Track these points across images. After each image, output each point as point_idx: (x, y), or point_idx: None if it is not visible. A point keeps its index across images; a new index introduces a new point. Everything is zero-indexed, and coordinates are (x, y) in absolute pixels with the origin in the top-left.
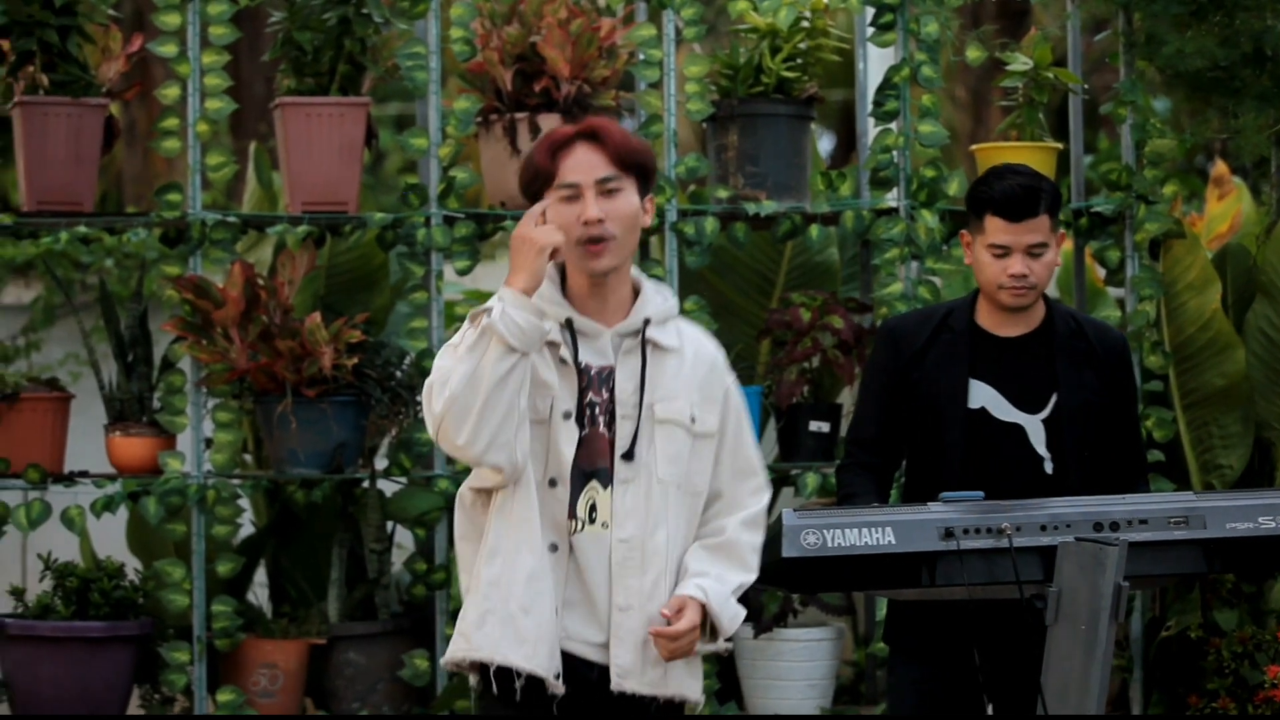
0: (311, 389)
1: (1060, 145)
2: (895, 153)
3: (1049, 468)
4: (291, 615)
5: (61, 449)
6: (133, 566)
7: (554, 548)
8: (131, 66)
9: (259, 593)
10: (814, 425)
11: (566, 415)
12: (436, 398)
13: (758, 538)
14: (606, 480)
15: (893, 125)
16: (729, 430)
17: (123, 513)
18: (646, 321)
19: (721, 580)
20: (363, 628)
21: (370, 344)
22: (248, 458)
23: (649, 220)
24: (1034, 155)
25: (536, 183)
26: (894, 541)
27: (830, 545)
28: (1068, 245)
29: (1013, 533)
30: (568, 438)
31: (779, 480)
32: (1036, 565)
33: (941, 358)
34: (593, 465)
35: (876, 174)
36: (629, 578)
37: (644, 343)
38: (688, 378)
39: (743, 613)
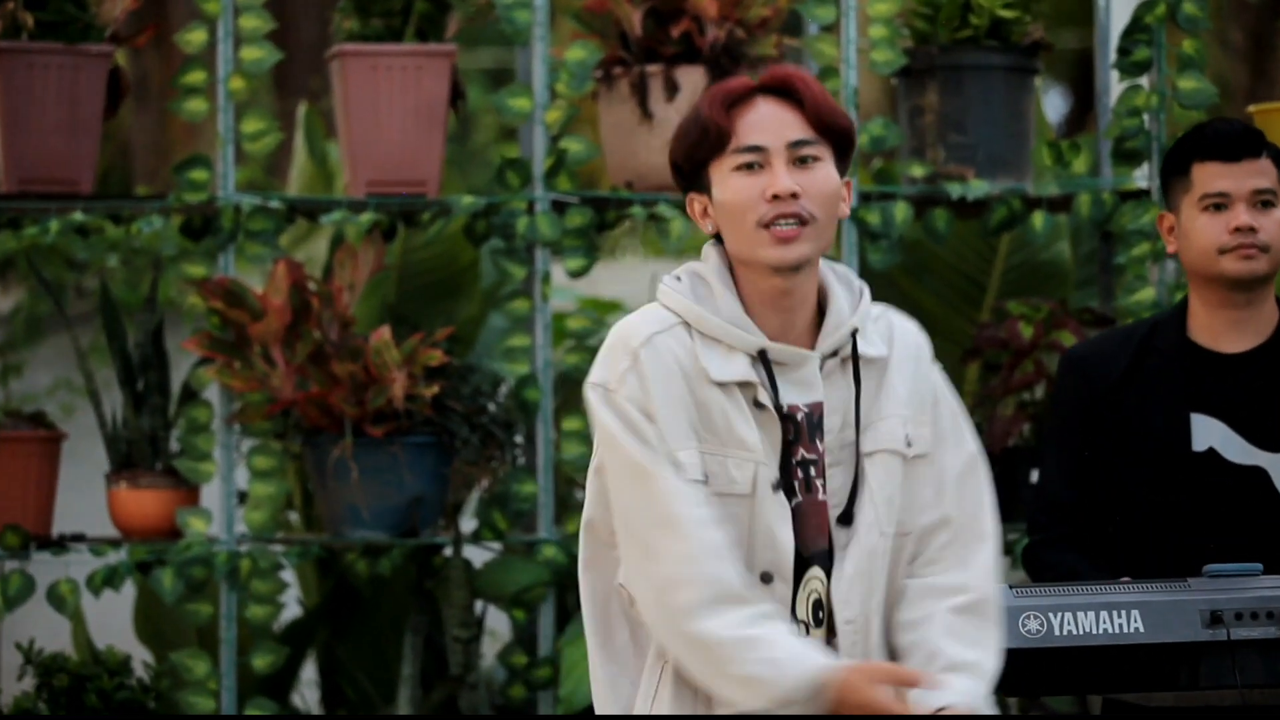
0: (378, 427)
1: None
2: (1147, 116)
3: None
4: None
5: (50, 505)
6: (141, 659)
7: None
8: (144, 3)
9: (307, 694)
10: (1036, 476)
11: (776, 486)
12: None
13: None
14: (828, 563)
15: (1143, 80)
16: (947, 437)
17: (129, 589)
18: (855, 333)
19: (982, 673)
20: None
21: (455, 368)
22: (293, 517)
23: (846, 210)
24: None
25: (704, 147)
26: (1142, 629)
27: (1059, 634)
28: None
29: None
30: (781, 515)
31: None
32: None
33: (1150, 388)
34: (812, 547)
35: (1122, 145)
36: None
37: (856, 361)
38: (895, 385)
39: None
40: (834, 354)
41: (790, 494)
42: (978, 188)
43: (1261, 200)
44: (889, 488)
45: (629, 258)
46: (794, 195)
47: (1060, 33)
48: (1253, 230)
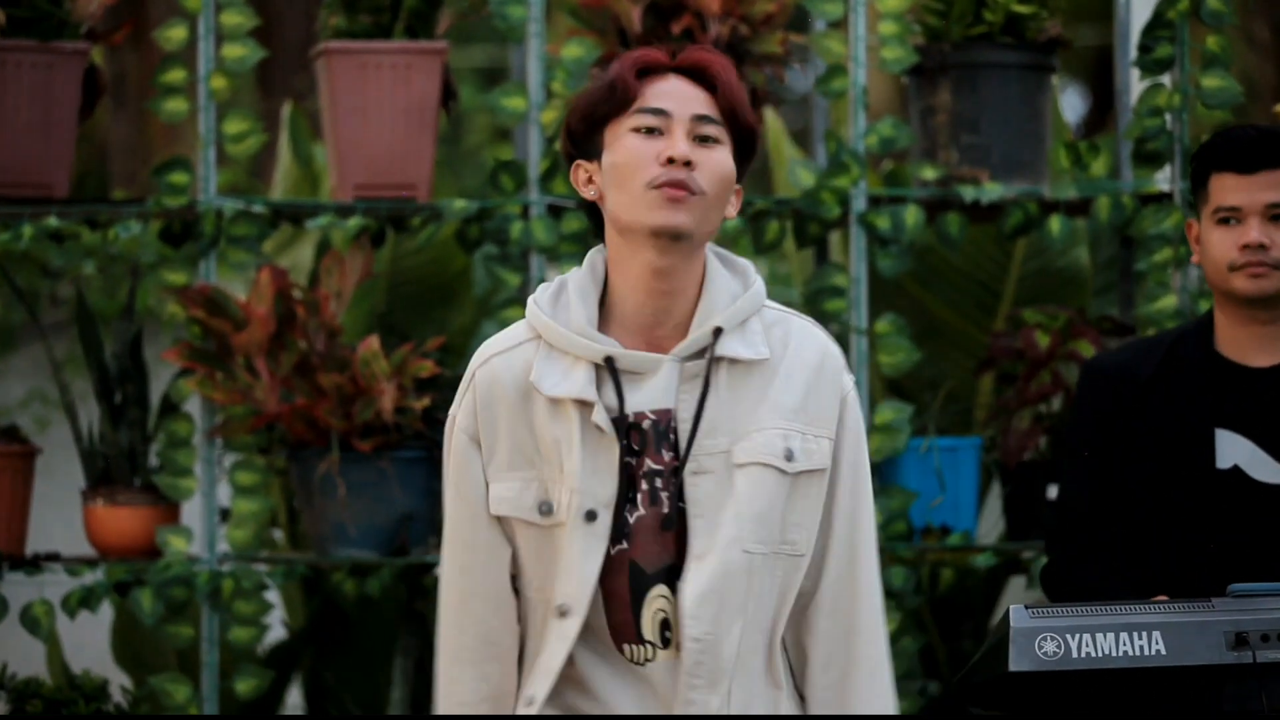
0: (366, 441)
1: None
2: (1169, 116)
3: None
4: None
5: (23, 523)
6: (119, 684)
7: (529, 701)
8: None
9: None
10: (1054, 491)
11: (589, 517)
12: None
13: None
14: (675, 580)
15: (1165, 78)
16: (844, 462)
17: (106, 610)
18: (718, 332)
19: None
20: None
21: (446, 379)
22: (278, 535)
23: (733, 212)
24: None
25: (607, 104)
26: (1164, 651)
27: (1076, 656)
28: None
29: None
30: (588, 549)
31: (1005, 566)
32: None
33: (1174, 402)
34: (657, 564)
35: (1142, 146)
36: (694, 691)
37: (714, 366)
38: (780, 395)
39: None
40: (700, 355)
41: (633, 508)
42: (992, 191)
43: (1275, 214)
44: (758, 503)
45: None
46: (689, 164)
47: (1078, 29)
48: (1263, 247)
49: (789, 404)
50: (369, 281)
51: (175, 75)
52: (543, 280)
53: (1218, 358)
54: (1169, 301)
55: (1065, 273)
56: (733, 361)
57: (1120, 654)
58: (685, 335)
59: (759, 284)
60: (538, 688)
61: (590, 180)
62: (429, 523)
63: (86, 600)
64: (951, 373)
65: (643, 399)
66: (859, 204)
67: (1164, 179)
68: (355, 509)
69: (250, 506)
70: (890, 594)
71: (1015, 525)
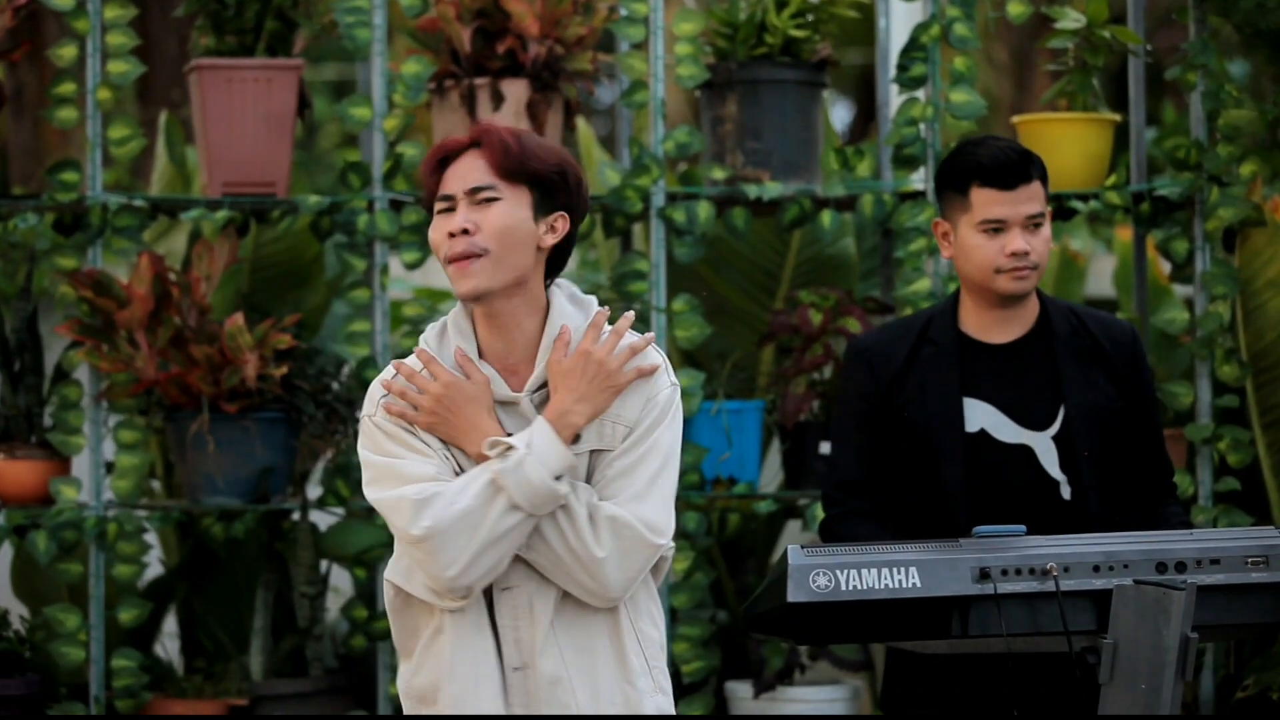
0: (232, 404)
1: (1118, 117)
2: (923, 126)
3: (1065, 492)
4: (207, 671)
5: None
6: (18, 614)
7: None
8: (19, 21)
9: (169, 645)
10: (825, 447)
11: None
12: (409, 515)
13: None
14: None
15: (920, 93)
16: (638, 431)
17: (6, 550)
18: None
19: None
20: (292, 686)
21: (302, 351)
22: (156, 485)
23: (550, 241)
24: (1086, 128)
25: (426, 200)
26: (919, 584)
27: (844, 588)
28: (1126, 235)
29: (1059, 573)
30: None
31: (783, 512)
32: (1088, 612)
33: (927, 376)
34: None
35: (900, 151)
36: (521, 631)
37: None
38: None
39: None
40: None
41: None
42: (772, 189)
43: (1032, 223)
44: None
45: None
46: (465, 231)
47: (846, 50)
48: (1026, 253)
49: (608, 409)
50: (235, 266)
51: (67, 88)
52: (385, 265)
53: (963, 337)
54: (923, 284)
55: (835, 260)
56: None
57: (882, 586)
58: (534, 362)
59: (602, 312)
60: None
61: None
62: (287, 474)
63: None
64: (738, 345)
65: (516, 424)
66: (658, 200)
67: (919, 179)
68: (223, 463)
69: (132, 460)
70: (685, 535)
71: (792, 477)
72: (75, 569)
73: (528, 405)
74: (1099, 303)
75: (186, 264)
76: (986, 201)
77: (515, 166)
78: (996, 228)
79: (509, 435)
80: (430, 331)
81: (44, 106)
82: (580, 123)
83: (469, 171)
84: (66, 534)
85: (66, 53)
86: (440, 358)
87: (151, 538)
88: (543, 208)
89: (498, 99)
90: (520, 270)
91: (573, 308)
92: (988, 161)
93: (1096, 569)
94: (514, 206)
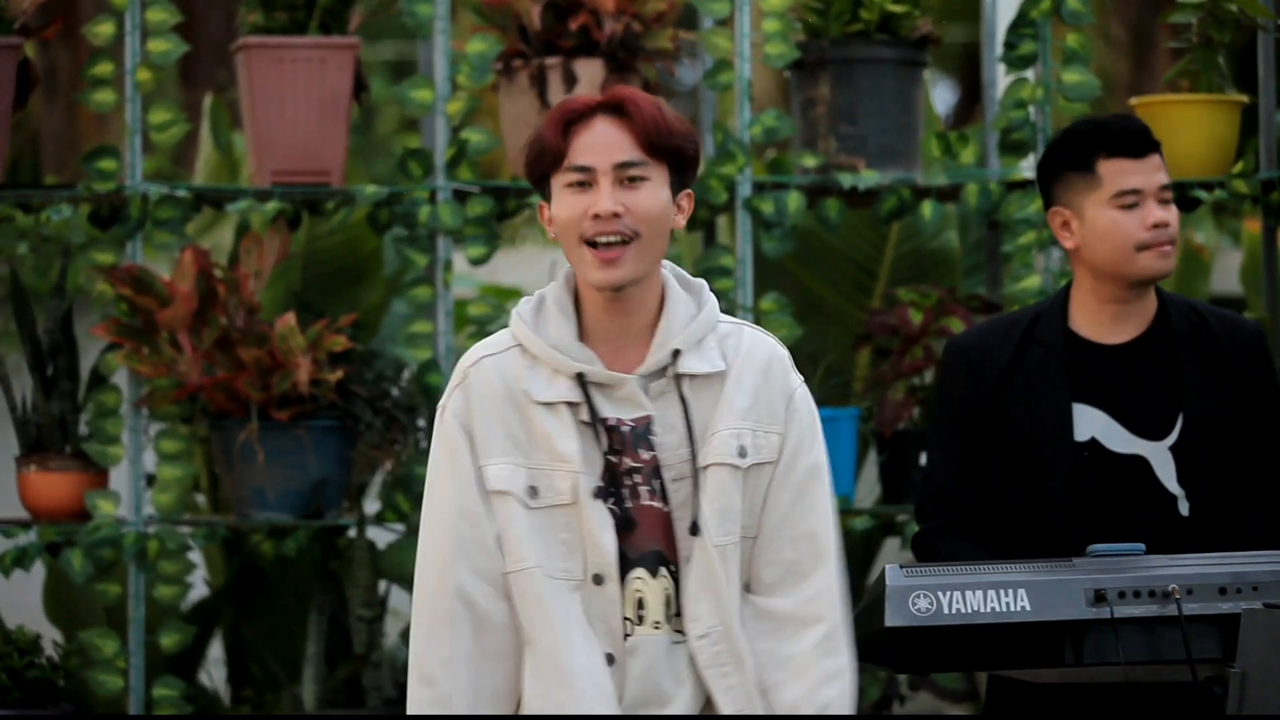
0: (283, 411)
1: (1246, 98)
2: (1032, 109)
3: (1184, 507)
4: (256, 701)
5: None
6: (51, 639)
7: (610, 660)
8: None
9: (214, 672)
10: (925, 458)
11: (596, 494)
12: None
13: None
14: (657, 566)
15: (1029, 73)
16: (800, 445)
17: (39, 569)
18: (676, 354)
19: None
20: (347, 716)
21: (359, 353)
22: (200, 499)
23: (683, 221)
24: (1211, 111)
25: (542, 163)
26: (1029, 608)
27: (947, 612)
28: (1255, 227)
29: (1182, 596)
30: (603, 521)
31: (881, 529)
32: (1214, 639)
33: (1033, 379)
34: (640, 550)
35: (1008, 136)
36: (728, 679)
37: (679, 382)
38: (733, 398)
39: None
40: (662, 373)
41: (620, 502)
42: (868, 178)
43: (1165, 197)
44: (719, 501)
45: (528, 246)
46: (616, 215)
47: (948, 27)
48: (1167, 225)
49: (740, 406)
50: (286, 262)
51: (104, 68)
52: (448, 261)
53: (1074, 336)
54: (1033, 281)
55: (936, 254)
56: (692, 376)
57: (988, 610)
58: (648, 345)
59: (712, 303)
60: (612, 648)
61: (550, 221)
62: (342, 488)
63: (20, 560)
64: (831, 348)
65: (617, 408)
66: (744, 190)
67: (1028, 167)
68: (273, 475)
69: (174, 472)
70: None
71: (890, 490)
72: (113, 590)
73: (636, 388)
74: (1225, 301)
75: (233, 259)
76: (1118, 172)
77: (663, 141)
78: (1133, 201)
79: (600, 419)
80: (525, 307)
81: (79, 89)
82: None
83: (613, 144)
84: (104, 552)
85: (103, 30)
86: (536, 339)
87: (196, 556)
88: (676, 186)
89: (570, 80)
90: (661, 255)
91: (685, 293)
92: (1111, 130)
93: (1223, 591)
94: (660, 186)
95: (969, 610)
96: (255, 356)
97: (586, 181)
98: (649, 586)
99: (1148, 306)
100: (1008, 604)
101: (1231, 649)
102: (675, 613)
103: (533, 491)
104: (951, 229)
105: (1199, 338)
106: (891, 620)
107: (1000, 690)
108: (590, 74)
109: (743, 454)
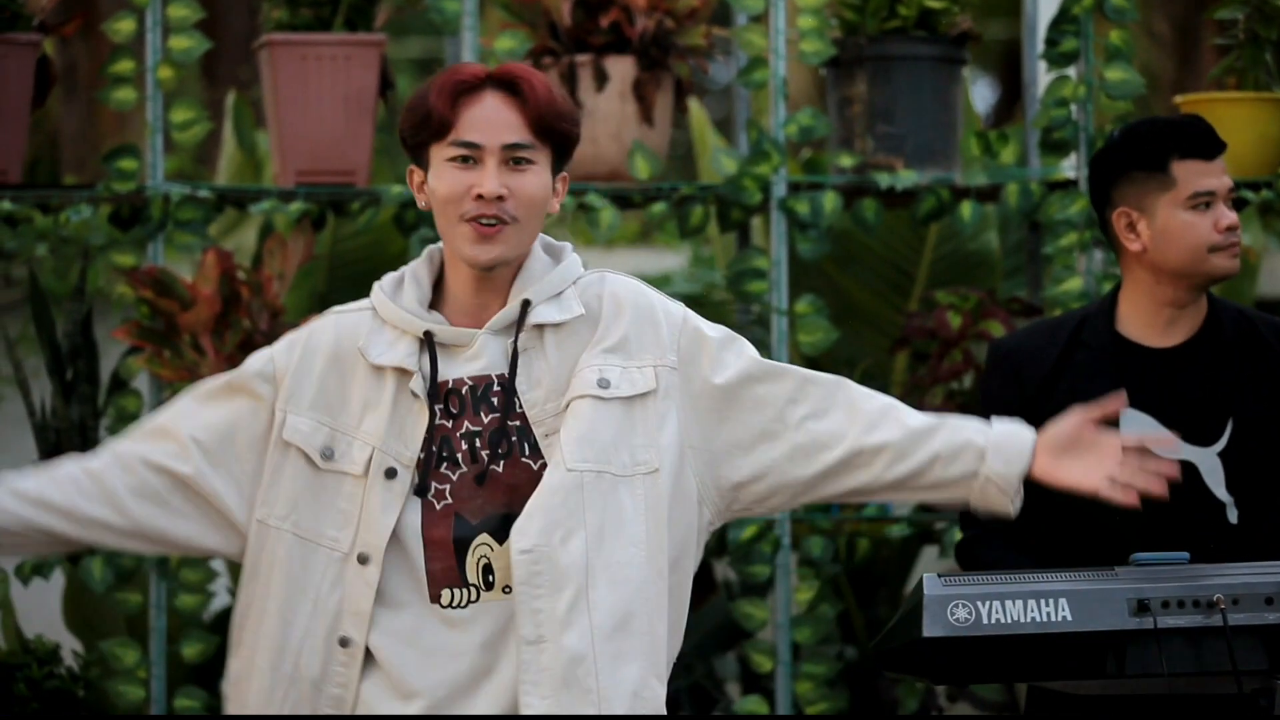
0: None
1: None
2: (1074, 107)
3: (1232, 515)
4: None
5: None
6: (71, 648)
7: (345, 642)
8: None
9: None
10: None
11: (390, 474)
12: None
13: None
14: (507, 529)
15: (1071, 71)
16: (703, 365)
17: (58, 578)
18: (526, 305)
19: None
20: None
21: None
22: None
23: (557, 205)
24: (1258, 109)
25: (425, 130)
26: (1070, 618)
27: (986, 622)
28: None
29: (1228, 606)
30: (387, 503)
31: (918, 537)
32: (1260, 650)
33: (1080, 383)
34: (481, 515)
35: (1049, 135)
36: (537, 600)
37: (518, 331)
38: (600, 339)
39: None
40: (519, 329)
41: (454, 466)
42: (906, 178)
43: (1234, 198)
44: (579, 427)
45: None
46: (500, 198)
47: (988, 23)
48: (1237, 227)
49: (606, 344)
50: (310, 263)
51: (124, 66)
52: None
53: (1122, 340)
54: (1075, 284)
55: (976, 256)
56: (554, 326)
57: (1028, 620)
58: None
59: (572, 258)
60: (351, 630)
61: (421, 188)
62: None
63: (39, 568)
64: (868, 351)
65: (460, 369)
66: (779, 190)
67: (1070, 166)
68: None
69: None
70: (809, 563)
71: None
72: (134, 599)
73: (485, 342)
74: (1271, 305)
75: (257, 261)
76: (1194, 174)
77: (552, 125)
78: (1208, 201)
79: (436, 385)
80: (387, 279)
81: (99, 87)
82: (693, 104)
83: (503, 123)
84: (124, 560)
85: (124, 27)
86: (389, 303)
87: (218, 564)
88: (556, 168)
89: (601, 78)
90: (534, 238)
91: (545, 255)
92: (1186, 130)
93: (1270, 601)
94: (543, 170)
95: (1009, 620)
96: None
97: (471, 158)
98: (495, 552)
99: (1199, 310)
100: (1049, 614)
101: (1278, 661)
102: None
103: (327, 453)
104: (991, 230)
105: (1248, 343)
106: (929, 630)
107: (1040, 701)
108: (621, 72)
109: (604, 385)
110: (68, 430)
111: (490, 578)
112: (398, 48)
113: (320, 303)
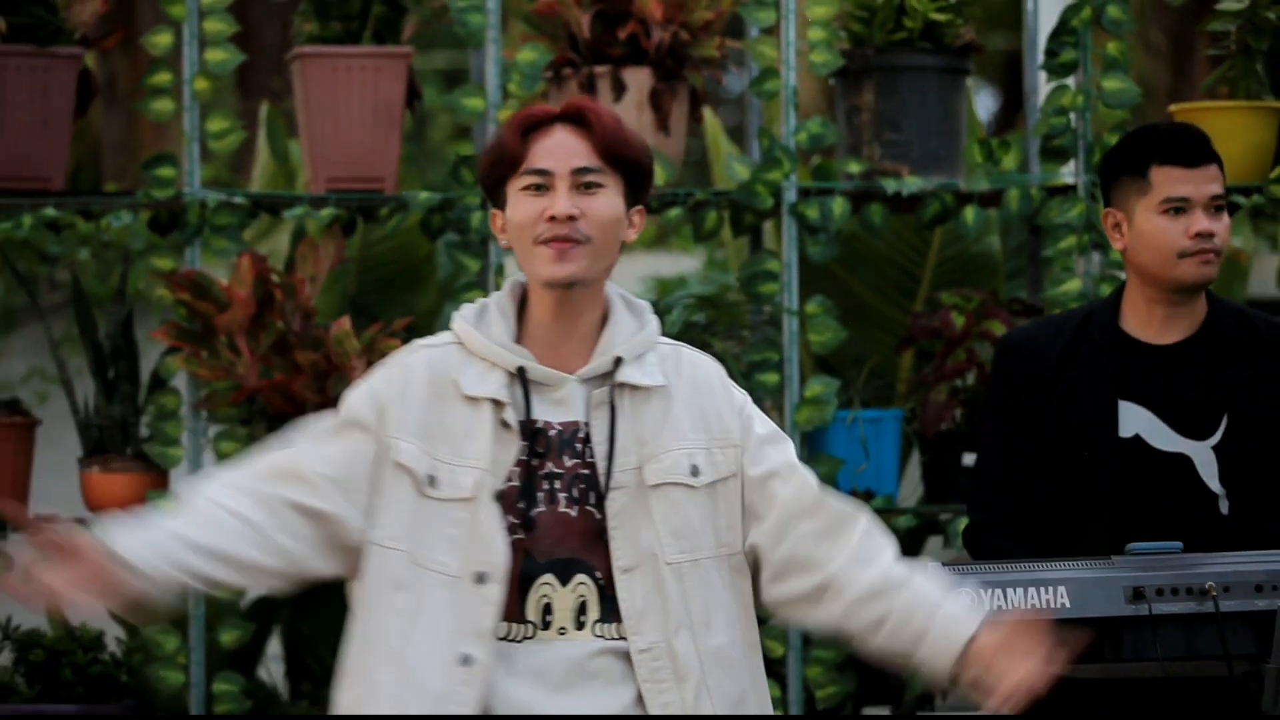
0: None
1: None
2: (1073, 115)
3: (1224, 506)
4: (314, 697)
5: (25, 488)
6: (114, 635)
7: (466, 659)
8: (112, 7)
9: (272, 668)
10: (968, 458)
11: (496, 496)
12: None
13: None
14: (571, 573)
15: (1070, 81)
16: (766, 448)
17: None
18: (618, 361)
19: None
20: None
21: None
22: None
23: (634, 235)
24: (1249, 117)
25: (500, 167)
26: (1068, 604)
27: (989, 608)
28: None
29: (1219, 594)
30: (497, 524)
31: (924, 527)
32: (1250, 636)
33: (1082, 377)
34: (548, 555)
35: (1049, 142)
36: (665, 694)
37: (617, 392)
38: (679, 418)
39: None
40: (603, 381)
41: (531, 505)
42: (912, 184)
43: (1215, 206)
44: (674, 519)
45: None
46: (571, 218)
47: (990, 35)
48: (1210, 235)
49: (685, 427)
50: (341, 267)
51: (162, 78)
52: (500, 266)
53: (1123, 335)
54: (1073, 285)
55: (978, 258)
56: (634, 388)
57: (1028, 606)
58: (589, 354)
59: (654, 323)
60: (473, 648)
61: (503, 229)
62: None
63: None
64: (875, 350)
65: (549, 410)
66: (790, 196)
67: (1069, 173)
68: None
69: None
70: None
71: (933, 490)
72: None
73: (574, 389)
74: (1262, 304)
75: (290, 265)
76: (1168, 180)
77: (620, 151)
78: (1179, 207)
79: (530, 419)
80: (469, 310)
81: (138, 98)
82: (707, 113)
83: (571, 150)
84: None
85: (161, 40)
86: (477, 335)
87: None
88: (630, 199)
89: (619, 88)
90: (611, 265)
91: (628, 313)
92: (1168, 138)
93: (1259, 589)
94: (614, 196)
95: (1010, 606)
96: (311, 360)
97: (544, 185)
98: (558, 593)
99: (1197, 309)
100: (1048, 600)
101: (1267, 646)
102: (599, 619)
103: (431, 481)
104: (993, 234)
105: (1247, 341)
106: None
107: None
108: (638, 82)
109: (695, 472)
110: (110, 427)
111: (548, 617)
112: (424, 59)
113: (350, 305)
